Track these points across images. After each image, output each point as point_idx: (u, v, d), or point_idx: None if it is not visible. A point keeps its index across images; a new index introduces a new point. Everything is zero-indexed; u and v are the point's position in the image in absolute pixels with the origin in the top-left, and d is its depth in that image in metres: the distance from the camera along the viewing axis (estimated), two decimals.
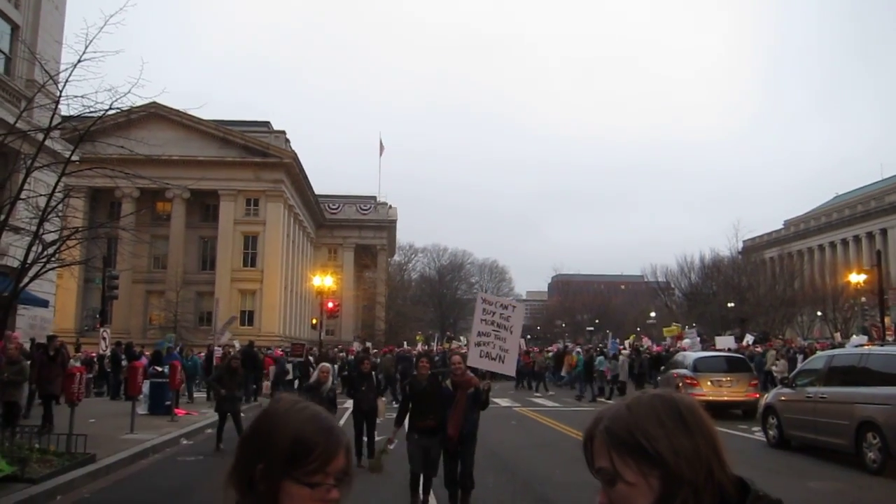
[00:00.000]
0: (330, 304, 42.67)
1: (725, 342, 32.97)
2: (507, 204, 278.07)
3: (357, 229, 76.75)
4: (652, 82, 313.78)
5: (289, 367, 29.34)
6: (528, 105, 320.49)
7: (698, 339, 33.55)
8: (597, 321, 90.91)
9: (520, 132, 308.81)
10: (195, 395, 26.50)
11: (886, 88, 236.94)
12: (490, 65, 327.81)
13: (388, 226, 78.66)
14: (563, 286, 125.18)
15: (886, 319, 33.09)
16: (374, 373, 30.21)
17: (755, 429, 16.31)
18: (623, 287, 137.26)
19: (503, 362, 8.35)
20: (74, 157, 13.12)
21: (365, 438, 12.17)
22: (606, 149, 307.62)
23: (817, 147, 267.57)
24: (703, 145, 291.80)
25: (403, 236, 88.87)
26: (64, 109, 12.27)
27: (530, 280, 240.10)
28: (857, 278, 45.18)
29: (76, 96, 11.66)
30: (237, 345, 29.79)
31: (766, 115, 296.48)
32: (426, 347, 42.08)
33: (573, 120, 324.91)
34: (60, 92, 11.73)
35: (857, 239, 75.51)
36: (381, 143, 77.25)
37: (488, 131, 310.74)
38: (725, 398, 19.70)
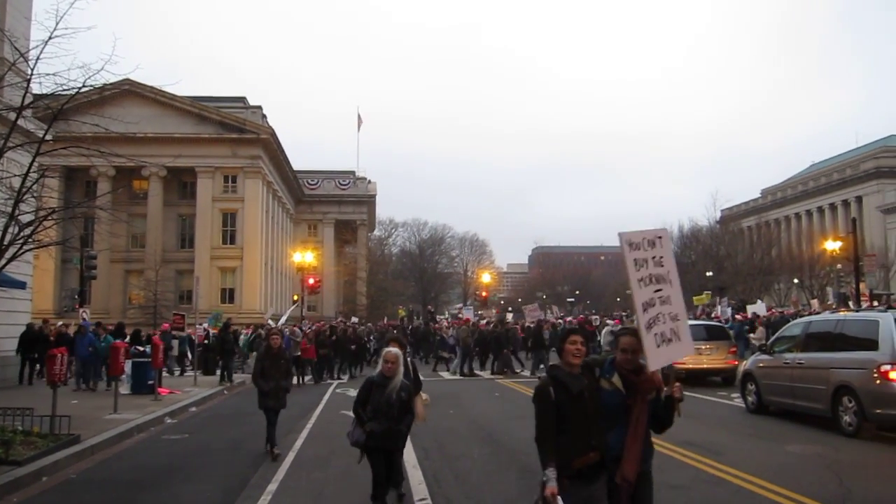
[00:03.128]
0: (311, 280, 42.61)
1: (757, 309, 33.13)
2: (491, 177, 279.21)
3: (336, 204, 76.44)
4: (642, 53, 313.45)
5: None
6: (514, 78, 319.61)
7: (728, 308, 34.30)
8: (577, 292, 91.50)
9: (505, 106, 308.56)
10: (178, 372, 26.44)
11: (865, 60, 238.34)
12: (475, 38, 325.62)
13: (367, 200, 78.39)
14: (544, 258, 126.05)
15: (862, 285, 33.59)
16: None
17: (734, 395, 16.58)
18: (603, 258, 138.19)
19: (679, 339, 5.15)
20: (48, 137, 12.91)
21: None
22: (595, 121, 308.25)
23: (797, 116, 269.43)
24: (689, 115, 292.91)
25: (384, 211, 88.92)
26: (36, 88, 12.02)
27: (511, 253, 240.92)
28: (832, 246, 45.76)
29: (48, 74, 11.44)
30: (272, 323, 29.74)
31: (750, 86, 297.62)
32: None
33: (561, 92, 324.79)
34: (32, 70, 11.49)
35: (832, 207, 76.38)
36: (359, 118, 76.78)
37: (473, 105, 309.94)
38: (705, 366, 19.97)
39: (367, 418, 6.88)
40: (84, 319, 25.45)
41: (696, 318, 30.22)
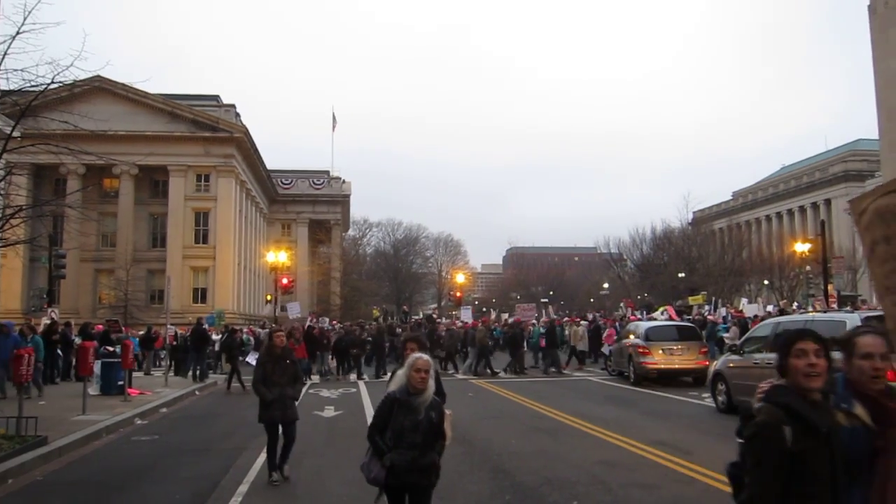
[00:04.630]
0: (284, 280, 42.37)
1: (752, 310, 33.15)
2: (467, 178, 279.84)
3: (310, 204, 76.04)
4: (619, 55, 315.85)
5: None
6: (492, 79, 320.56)
7: (723, 308, 34.72)
8: (551, 293, 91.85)
9: (483, 107, 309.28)
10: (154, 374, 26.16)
11: (839, 68, 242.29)
12: (453, 38, 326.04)
13: (341, 200, 78.08)
14: (518, 259, 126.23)
15: (830, 287, 34.11)
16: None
17: (705, 395, 16.75)
18: (576, 259, 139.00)
19: None
20: (16, 133, 12.72)
21: None
22: (573, 122, 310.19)
23: (772, 121, 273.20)
24: (666, 118, 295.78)
25: (358, 210, 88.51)
26: (3, 83, 11.86)
27: (485, 253, 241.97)
28: (802, 248, 46.42)
29: (16, 70, 11.30)
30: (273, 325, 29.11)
31: (726, 92, 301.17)
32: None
33: (540, 93, 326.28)
34: None
35: (802, 209, 77.52)
36: (333, 118, 76.53)
37: (449, 105, 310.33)
38: (676, 366, 20.21)
39: (387, 448, 5.24)
40: (7, 320, 24.41)
41: (689, 320, 30.46)
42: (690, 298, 42.60)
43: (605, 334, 27.95)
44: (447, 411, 5.54)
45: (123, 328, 28.00)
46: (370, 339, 28.53)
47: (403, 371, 5.41)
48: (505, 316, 45.41)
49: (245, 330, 29.39)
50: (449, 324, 36.81)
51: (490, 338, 28.47)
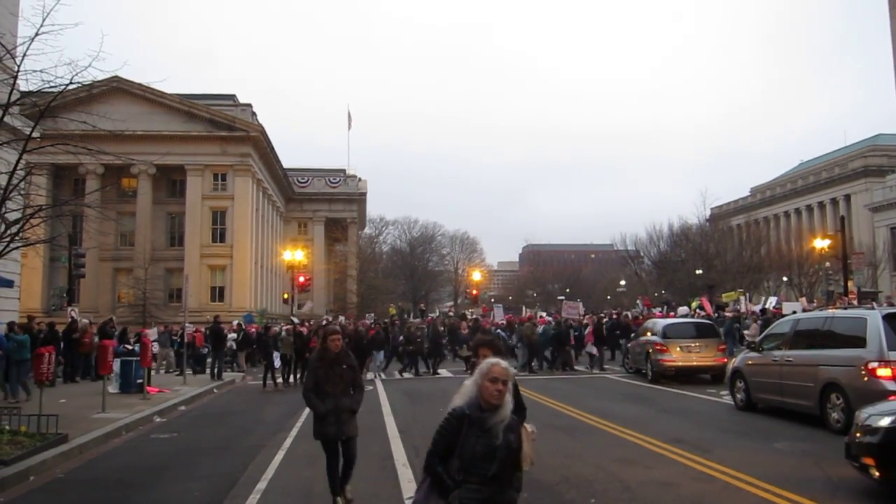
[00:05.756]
0: (301, 279, 42.59)
1: (793, 307, 32.37)
2: (483, 175, 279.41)
3: (327, 203, 76.32)
4: (635, 52, 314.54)
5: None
6: (515, 78, 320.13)
7: (773, 298, 34.56)
8: (567, 290, 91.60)
9: (499, 104, 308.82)
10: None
11: (858, 61, 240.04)
12: (468, 36, 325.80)
13: (358, 199, 78.29)
14: (534, 256, 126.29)
15: (850, 283, 33.78)
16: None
17: (723, 393, 16.64)
18: (593, 256, 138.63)
19: None
20: (35, 134, 12.82)
21: None
22: (589, 120, 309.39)
23: (789, 116, 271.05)
24: (682, 114, 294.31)
25: (374, 209, 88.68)
26: (22, 85, 11.94)
27: (501, 250, 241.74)
28: (821, 244, 45.97)
29: (35, 71, 11.36)
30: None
31: (742, 87, 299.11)
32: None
33: (556, 91, 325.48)
34: (18, 66, 11.42)
35: (821, 205, 76.72)
36: (349, 116, 77.21)
37: (465, 103, 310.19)
38: (694, 363, 20.08)
39: (453, 482, 4.02)
40: (257, 313, 24.63)
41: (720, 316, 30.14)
42: (724, 295, 42.20)
43: (586, 332, 27.64)
44: (528, 427, 4.59)
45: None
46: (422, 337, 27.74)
47: (473, 380, 4.29)
48: (542, 314, 45.38)
49: (283, 326, 29.18)
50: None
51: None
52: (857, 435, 7.74)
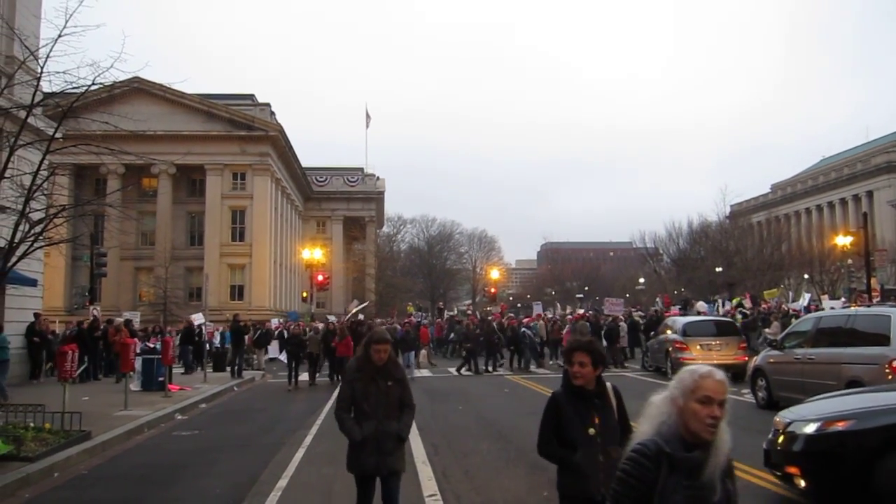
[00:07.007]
0: (320, 277, 42.66)
1: (833, 305, 31.81)
2: (501, 173, 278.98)
3: (345, 201, 76.59)
4: (653, 49, 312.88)
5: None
6: (540, 78, 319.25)
7: (806, 296, 34.86)
8: (586, 288, 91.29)
9: (517, 103, 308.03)
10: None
11: (879, 55, 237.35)
12: (486, 35, 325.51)
13: (376, 197, 78.48)
14: (552, 254, 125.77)
15: (872, 280, 33.35)
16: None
17: (744, 391, 16.50)
18: (612, 254, 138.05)
19: None
20: (58, 134, 12.96)
21: None
22: (609, 117, 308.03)
23: (810, 112, 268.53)
24: (701, 111, 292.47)
25: (392, 207, 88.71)
26: (46, 86, 12.08)
27: (519, 248, 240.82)
28: (843, 241, 45.37)
29: (58, 72, 11.49)
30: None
31: (762, 82, 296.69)
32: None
33: (575, 88, 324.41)
34: (42, 68, 11.55)
35: (843, 202, 75.89)
36: (367, 114, 76.95)
37: (484, 101, 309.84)
38: (714, 361, 19.81)
39: None
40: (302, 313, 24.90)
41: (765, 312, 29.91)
42: (765, 293, 41.78)
43: (564, 330, 27.55)
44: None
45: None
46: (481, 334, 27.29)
47: (667, 397, 2.79)
48: (567, 311, 45.97)
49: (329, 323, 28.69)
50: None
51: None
52: (779, 441, 7.41)
